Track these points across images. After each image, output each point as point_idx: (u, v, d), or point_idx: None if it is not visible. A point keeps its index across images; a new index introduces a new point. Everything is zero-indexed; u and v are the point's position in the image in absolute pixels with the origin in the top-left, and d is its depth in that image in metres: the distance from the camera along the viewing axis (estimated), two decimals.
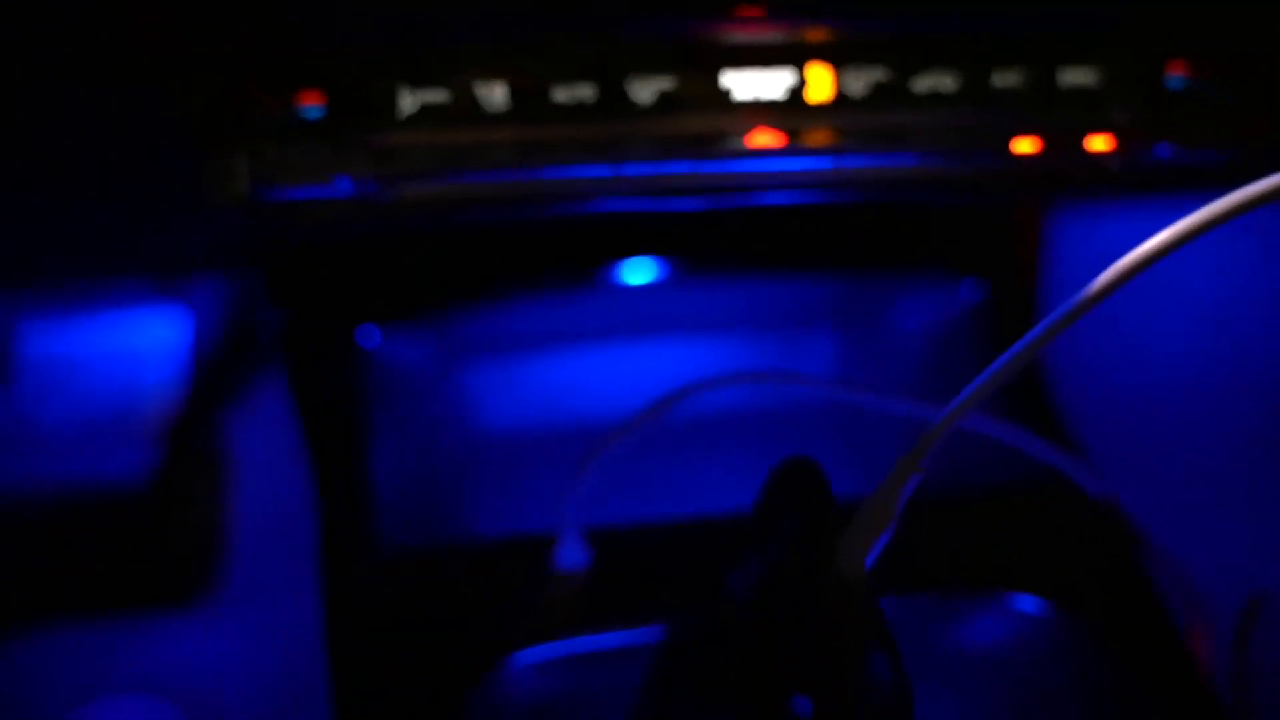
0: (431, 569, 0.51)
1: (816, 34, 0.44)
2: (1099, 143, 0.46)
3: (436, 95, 0.44)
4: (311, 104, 0.44)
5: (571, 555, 0.49)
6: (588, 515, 0.49)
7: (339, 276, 0.55)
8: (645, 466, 0.54)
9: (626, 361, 0.60)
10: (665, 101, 0.45)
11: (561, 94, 0.44)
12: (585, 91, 0.45)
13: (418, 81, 0.44)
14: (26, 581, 1.00)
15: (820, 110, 0.45)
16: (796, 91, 0.45)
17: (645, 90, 0.44)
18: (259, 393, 1.04)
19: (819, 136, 0.45)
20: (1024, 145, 0.46)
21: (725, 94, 0.45)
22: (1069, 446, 0.58)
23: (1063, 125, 0.46)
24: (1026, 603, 0.51)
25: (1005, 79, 0.46)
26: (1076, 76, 0.47)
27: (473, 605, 0.49)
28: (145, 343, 1.00)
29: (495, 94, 0.44)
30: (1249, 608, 0.50)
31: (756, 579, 0.37)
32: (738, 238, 0.56)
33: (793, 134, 0.45)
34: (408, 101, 0.44)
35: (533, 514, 0.54)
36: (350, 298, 0.55)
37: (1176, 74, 0.48)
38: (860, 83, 0.45)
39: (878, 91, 0.45)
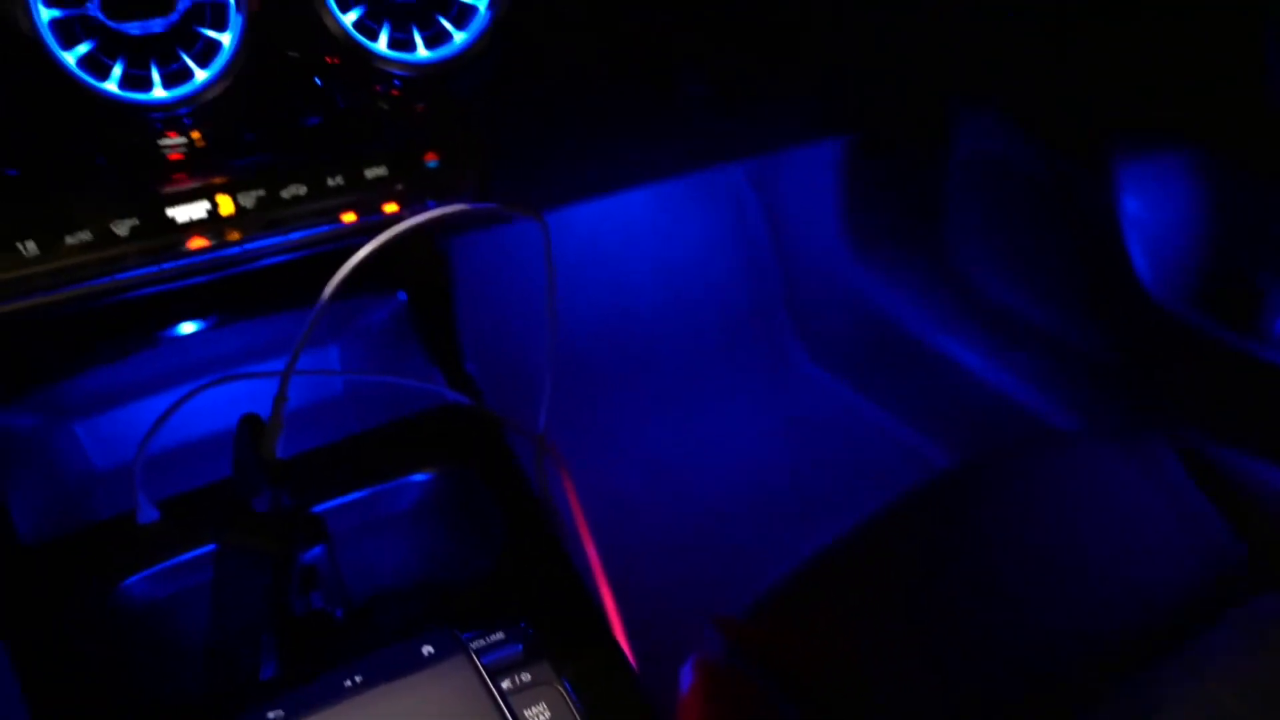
0: (71, 547, 0.79)
1: (218, 179, 0.79)
2: (391, 206, 0.85)
3: None
4: None
5: (148, 514, 0.80)
6: (156, 489, 0.80)
7: None
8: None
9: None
10: (136, 231, 0.77)
11: (72, 240, 0.76)
12: (86, 236, 0.76)
13: None
14: None
15: (230, 219, 0.80)
16: (213, 211, 0.79)
17: (123, 228, 0.77)
18: None
19: (234, 234, 0.80)
20: (349, 216, 0.83)
21: (173, 220, 0.78)
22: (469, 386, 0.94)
23: (369, 199, 0.84)
24: (422, 478, 0.88)
25: (335, 181, 0.83)
26: (375, 172, 0.85)
27: (93, 552, 0.78)
28: None
29: (29, 246, 0.75)
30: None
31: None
32: (216, 299, 0.88)
33: (217, 235, 0.80)
34: None
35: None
36: None
37: (432, 160, 0.88)
38: (250, 199, 0.81)
39: (260, 201, 0.81)
